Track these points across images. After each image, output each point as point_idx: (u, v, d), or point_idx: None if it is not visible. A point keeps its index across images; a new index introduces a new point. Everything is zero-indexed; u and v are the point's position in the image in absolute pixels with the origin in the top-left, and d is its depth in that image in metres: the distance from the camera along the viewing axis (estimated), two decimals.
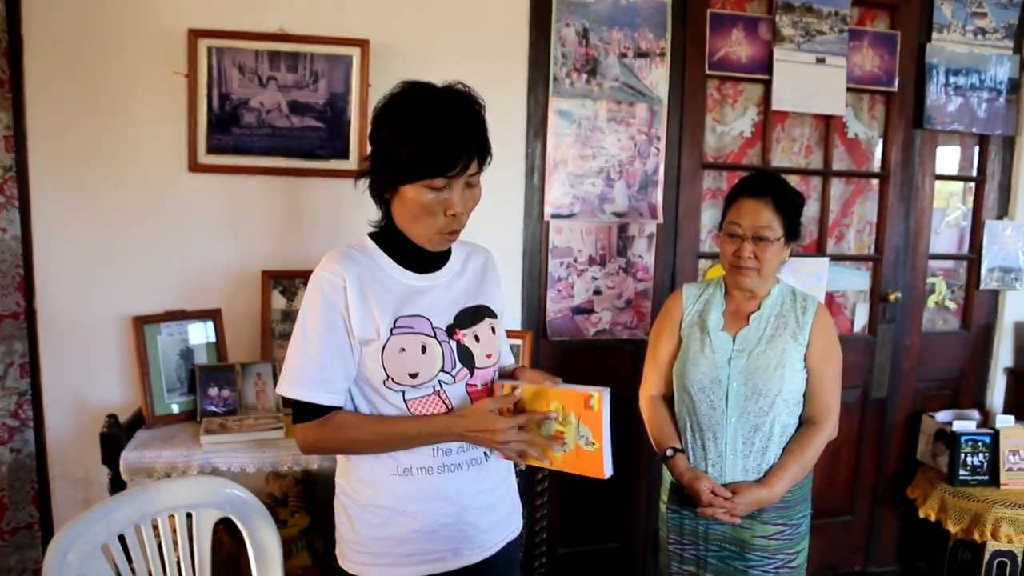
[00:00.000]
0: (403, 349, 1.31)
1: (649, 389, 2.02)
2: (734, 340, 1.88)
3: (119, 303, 2.25)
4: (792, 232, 1.83)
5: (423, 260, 1.37)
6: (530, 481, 2.57)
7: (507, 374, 1.50)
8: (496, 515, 1.47)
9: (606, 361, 2.77)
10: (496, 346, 1.44)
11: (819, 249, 2.93)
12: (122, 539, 1.61)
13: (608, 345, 2.78)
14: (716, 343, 1.88)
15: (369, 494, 1.39)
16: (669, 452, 1.90)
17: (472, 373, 1.39)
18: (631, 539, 2.97)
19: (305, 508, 2.35)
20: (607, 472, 1.30)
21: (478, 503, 1.43)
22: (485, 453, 1.42)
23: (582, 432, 1.28)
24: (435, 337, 1.34)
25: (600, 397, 1.23)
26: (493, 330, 1.43)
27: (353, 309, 1.29)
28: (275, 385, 2.19)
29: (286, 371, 1.32)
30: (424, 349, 1.32)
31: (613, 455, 1.32)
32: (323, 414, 1.33)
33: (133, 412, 2.18)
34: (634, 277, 2.76)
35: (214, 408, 2.21)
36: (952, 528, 2.73)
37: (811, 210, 2.89)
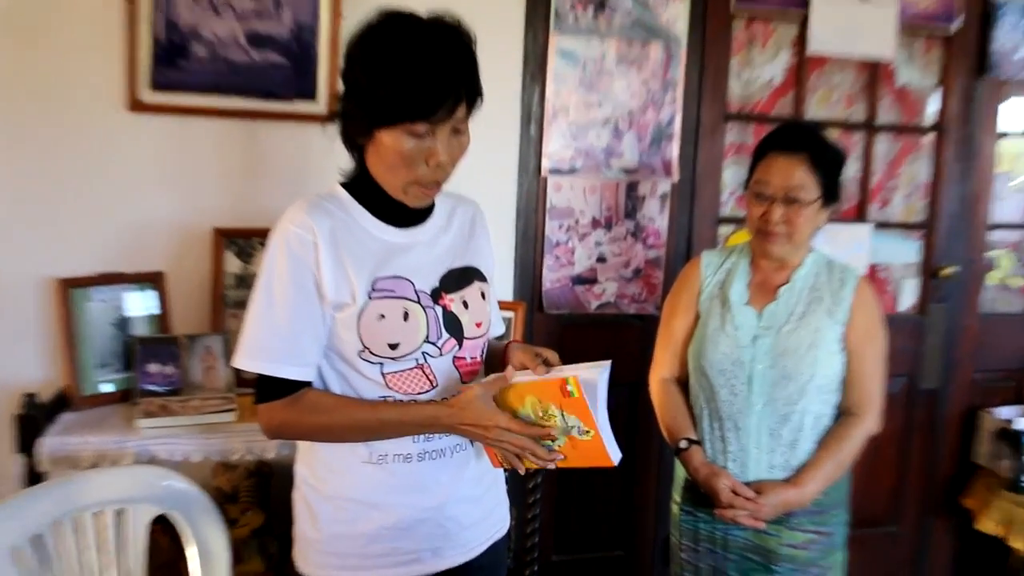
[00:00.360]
0: (382, 316, 1.32)
1: (660, 371, 2.03)
2: (760, 316, 1.88)
3: (41, 263, 2.21)
4: (830, 194, 1.83)
5: (403, 213, 1.38)
6: (520, 476, 2.56)
7: (497, 350, 1.51)
8: (481, 509, 1.50)
9: (611, 339, 2.79)
10: (486, 313, 1.46)
11: (860, 215, 2.92)
12: (39, 541, 1.58)
13: (613, 320, 2.80)
14: (739, 319, 1.89)
15: (335, 485, 1.41)
16: (683, 444, 1.91)
17: (460, 344, 1.41)
18: (637, 546, 3.01)
19: (259, 504, 2.36)
20: (614, 458, 1.31)
21: (461, 494, 1.45)
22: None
23: (570, 423, 1.30)
24: (418, 302, 1.36)
25: (575, 380, 1.24)
26: (483, 295, 1.45)
27: (325, 269, 1.30)
28: (227, 361, 2.26)
29: (246, 341, 1.33)
30: (406, 316, 1.33)
31: (618, 443, 1.34)
32: (292, 391, 1.34)
33: (56, 391, 2.15)
34: (644, 243, 2.77)
35: (154, 387, 2.20)
36: (1017, 544, 2.70)
37: (852, 169, 2.86)
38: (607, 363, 1.32)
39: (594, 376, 1.28)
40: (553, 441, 1.35)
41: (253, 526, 2.32)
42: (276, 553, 2.32)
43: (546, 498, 2.79)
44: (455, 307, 1.41)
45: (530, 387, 1.32)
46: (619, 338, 2.80)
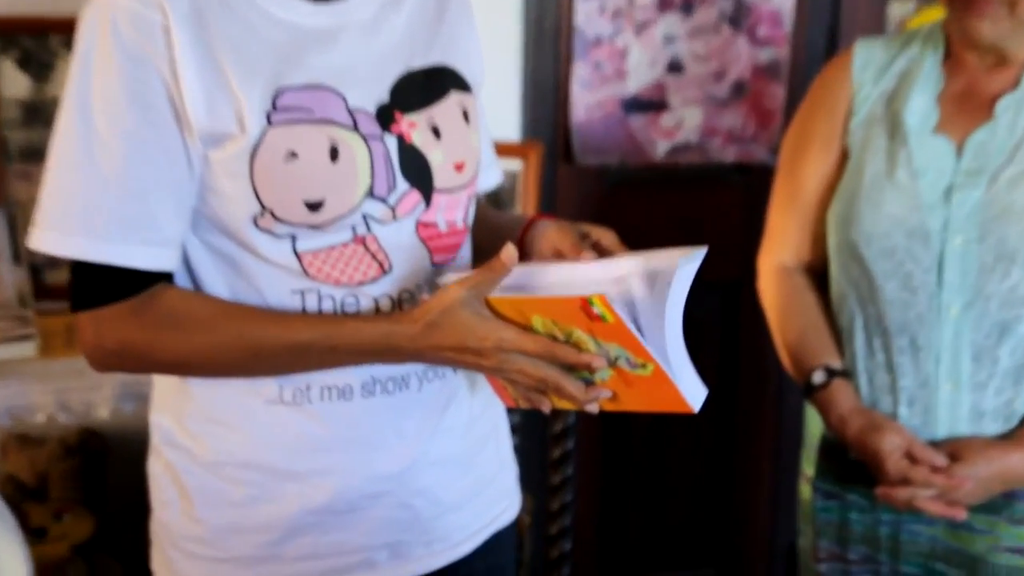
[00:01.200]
0: (293, 154, 1.36)
1: (779, 254, 2.07)
2: (961, 152, 1.88)
3: None
4: None
5: None
6: (538, 437, 2.65)
7: (504, 226, 1.59)
8: (471, 479, 1.57)
9: (692, 206, 2.81)
10: (472, 146, 1.51)
11: None
12: None
13: (697, 175, 2.82)
14: (922, 158, 1.90)
15: (222, 443, 1.47)
16: (818, 377, 1.94)
17: (428, 200, 1.46)
18: (741, 558, 3.06)
19: (84, 503, 2.35)
20: (692, 401, 1.38)
21: (437, 453, 1.52)
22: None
23: (613, 352, 1.36)
24: (355, 129, 1.40)
25: (602, 300, 1.29)
26: (465, 115, 1.50)
27: (186, 72, 1.33)
28: (16, 251, 2.26)
29: (52, 208, 1.36)
30: (334, 153, 1.38)
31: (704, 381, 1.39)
32: (138, 290, 1.38)
33: None
34: (752, 38, 2.77)
35: None
36: None
37: None
38: (693, 252, 1.34)
39: (662, 276, 1.33)
40: (592, 373, 1.38)
41: (75, 539, 2.30)
42: None
43: (584, 472, 2.84)
44: (418, 136, 1.44)
45: (538, 303, 1.37)
46: (707, 205, 2.81)
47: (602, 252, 1.44)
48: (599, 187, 2.79)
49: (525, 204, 2.55)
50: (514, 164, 2.53)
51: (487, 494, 1.61)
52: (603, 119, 2.75)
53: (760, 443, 3.01)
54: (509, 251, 1.37)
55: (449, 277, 1.46)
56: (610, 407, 1.43)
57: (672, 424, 2.99)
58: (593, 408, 1.42)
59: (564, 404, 1.44)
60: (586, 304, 1.31)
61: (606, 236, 1.46)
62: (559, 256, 1.47)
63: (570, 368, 1.38)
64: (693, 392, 1.37)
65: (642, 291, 1.35)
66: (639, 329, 1.34)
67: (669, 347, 1.34)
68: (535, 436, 2.69)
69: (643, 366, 1.35)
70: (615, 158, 2.78)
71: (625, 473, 3.02)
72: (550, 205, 2.71)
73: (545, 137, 2.72)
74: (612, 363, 1.37)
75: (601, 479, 3.01)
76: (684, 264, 1.32)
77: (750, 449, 3.01)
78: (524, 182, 2.54)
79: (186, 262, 1.43)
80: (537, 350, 1.36)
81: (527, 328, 1.39)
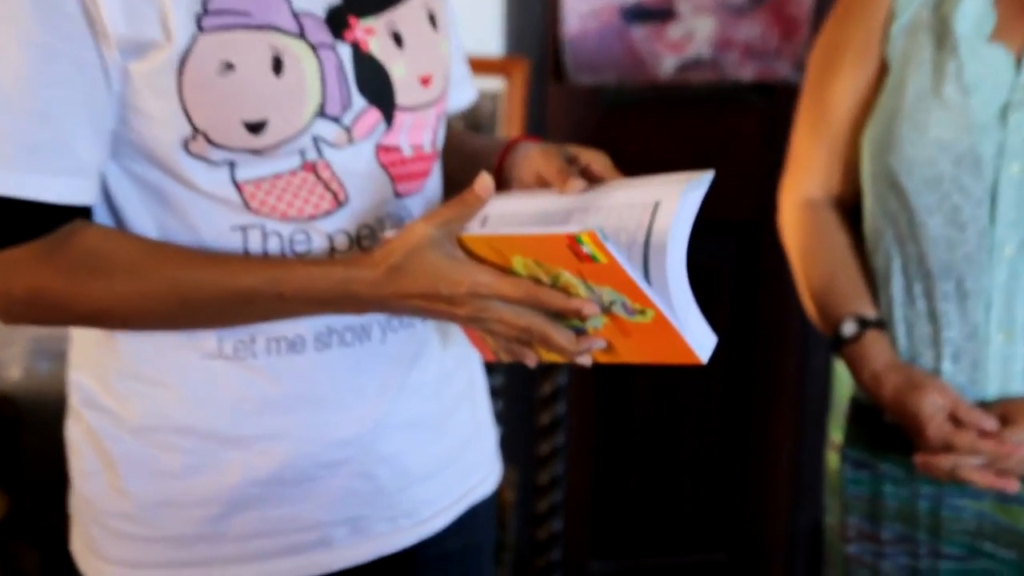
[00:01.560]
0: (228, 65, 1.36)
1: (803, 185, 2.07)
2: (1020, 63, 1.89)
3: None
4: None
5: None
6: (524, 401, 2.67)
7: (480, 151, 1.62)
8: (444, 445, 1.59)
9: (703, 133, 2.84)
10: (440, 56, 1.53)
11: None
12: None
13: (709, 96, 2.86)
14: (974, 71, 1.89)
15: (155, 404, 1.47)
16: (848, 327, 1.95)
17: (390, 120, 1.47)
18: (756, 541, 3.09)
19: None
20: (700, 351, 1.38)
21: (403, 416, 1.54)
22: None
23: (607, 296, 1.37)
24: (301, 36, 1.40)
25: (591, 236, 1.29)
26: (431, 19, 1.52)
27: None
28: None
29: None
30: (278, 64, 1.38)
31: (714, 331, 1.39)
32: (52, 228, 1.38)
33: None
34: None
35: None
36: None
37: None
38: (698, 177, 1.34)
39: (663, 209, 1.33)
40: (583, 321, 1.39)
41: None
42: (35, 568, 2.39)
43: (575, 445, 2.86)
44: (376, 44, 1.44)
45: (512, 243, 1.37)
46: (720, 132, 2.83)
47: (592, 179, 1.44)
48: (594, 111, 2.81)
49: (509, 131, 2.56)
50: (495, 84, 2.54)
51: (461, 462, 1.62)
52: (599, 30, 2.76)
53: (780, 406, 3.04)
54: (484, 181, 1.38)
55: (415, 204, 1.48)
56: (605, 359, 1.43)
57: (679, 386, 3.02)
58: (585, 360, 1.42)
59: (552, 357, 1.44)
60: (573, 242, 1.31)
61: (597, 159, 1.46)
62: (543, 184, 1.47)
63: (558, 316, 1.39)
64: (700, 340, 1.37)
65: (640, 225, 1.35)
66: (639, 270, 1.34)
67: (672, 289, 1.34)
68: (520, 400, 2.69)
69: (642, 312, 1.35)
70: (613, 76, 2.79)
71: (624, 443, 3.04)
72: (538, 126, 2.73)
73: (532, 52, 2.73)
74: (606, 309, 1.38)
75: (597, 449, 3.03)
76: (688, 192, 1.32)
77: (768, 413, 3.05)
78: (507, 105, 2.55)
79: (106, 195, 1.43)
80: (519, 295, 1.37)
81: (507, 271, 1.39)
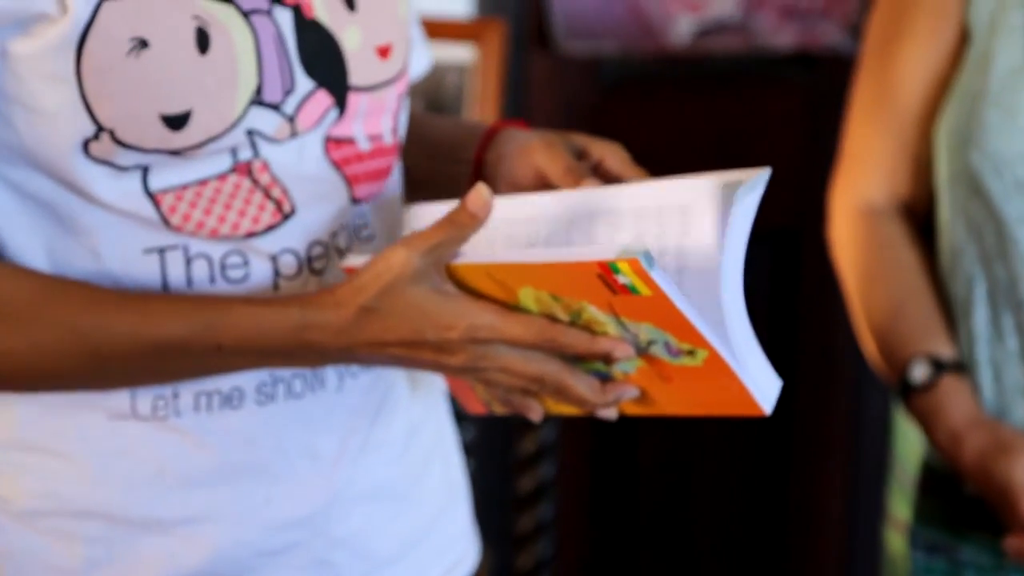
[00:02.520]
0: (142, 42, 1.34)
1: (862, 186, 2.08)
2: None
3: None
4: None
5: None
6: (502, 461, 2.61)
7: (453, 140, 1.64)
8: (412, 517, 1.60)
9: (728, 116, 2.96)
10: (400, 19, 1.54)
11: None
12: None
13: (736, 69, 2.96)
14: None
15: (47, 480, 1.46)
16: (920, 371, 1.93)
17: (342, 104, 1.47)
18: None
19: None
20: (763, 399, 1.37)
21: (366, 482, 1.54)
22: None
23: (645, 334, 1.35)
24: (230, 1, 1.39)
25: (632, 264, 1.25)
26: None
27: None
28: None
29: None
30: (203, 39, 1.37)
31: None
32: None
33: None
34: None
35: None
36: None
37: None
38: (751, 176, 1.33)
39: (707, 219, 1.34)
40: (609, 365, 1.38)
41: None
42: None
43: (565, 518, 2.85)
44: (321, 6, 1.44)
45: (521, 272, 1.35)
46: (751, 114, 2.86)
47: (607, 178, 1.43)
48: (590, 88, 2.90)
49: (481, 113, 2.60)
50: (462, 53, 2.62)
51: (434, 537, 1.62)
52: None
53: (826, 468, 3.13)
54: (481, 195, 1.32)
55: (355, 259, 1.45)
56: (636, 411, 1.44)
57: (698, 443, 3.03)
58: (611, 414, 1.42)
59: (564, 409, 1.43)
60: (606, 270, 1.26)
61: (612, 153, 1.44)
62: (543, 185, 1.46)
63: (577, 358, 1.36)
64: (763, 386, 1.36)
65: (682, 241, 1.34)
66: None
67: (728, 323, 1.33)
68: (496, 459, 2.68)
69: (690, 353, 1.33)
70: (613, 44, 2.89)
71: (628, 516, 3.02)
72: (516, 112, 2.80)
73: (509, 12, 2.82)
74: (642, 350, 1.35)
75: (592, 524, 3.01)
76: (743, 196, 1.30)
77: (812, 476, 3.12)
78: (478, 80, 2.62)
79: None
80: (530, 338, 1.34)
81: (512, 306, 1.37)
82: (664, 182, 1.39)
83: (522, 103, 2.75)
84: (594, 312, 1.33)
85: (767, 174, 1.32)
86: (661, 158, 1.53)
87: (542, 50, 2.77)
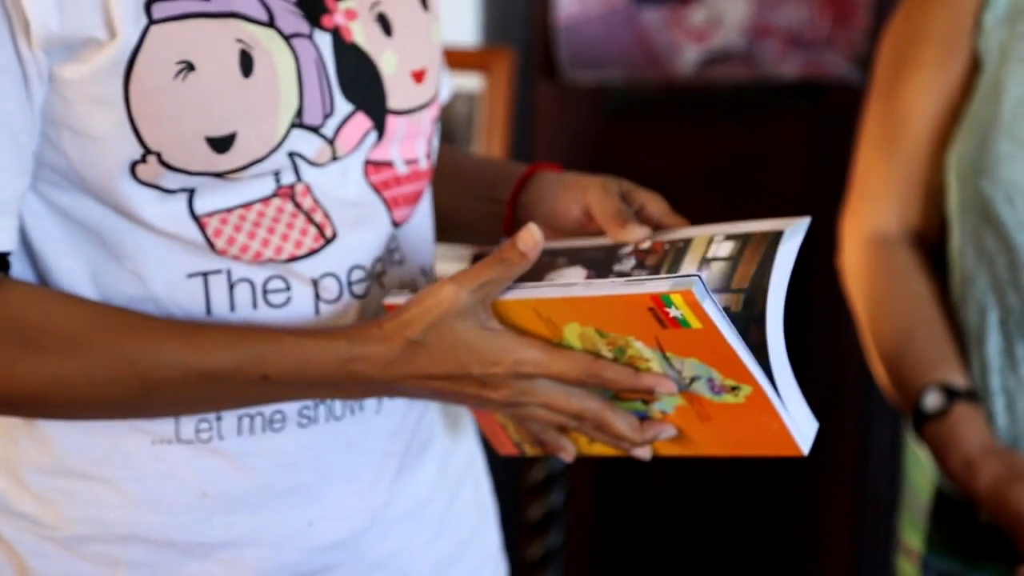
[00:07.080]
0: (188, 66, 1.36)
1: (872, 216, 2.11)
2: None
3: None
4: None
5: None
6: (509, 490, 2.71)
7: (483, 173, 1.69)
8: (448, 537, 1.62)
9: (734, 145, 2.87)
10: (433, 45, 1.56)
11: None
12: None
13: (742, 99, 2.93)
14: None
15: (89, 506, 1.46)
16: (932, 400, 1.95)
17: (381, 128, 1.48)
18: None
19: None
20: (802, 438, 1.40)
21: (405, 504, 1.56)
22: None
23: (689, 370, 1.37)
24: (271, 24, 1.40)
25: (686, 296, 1.28)
26: (423, 2, 1.56)
27: None
28: None
29: None
30: (247, 62, 1.38)
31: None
32: None
33: None
34: None
35: None
36: None
37: None
38: (792, 224, 1.37)
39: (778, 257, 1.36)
40: (649, 403, 1.41)
41: None
42: None
43: (575, 549, 2.90)
44: (360, 30, 1.45)
45: (568, 306, 1.37)
46: (757, 144, 2.86)
47: (648, 224, 1.45)
48: (596, 115, 2.89)
49: (488, 140, 2.53)
50: (470, 82, 2.60)
51: (468, 559, 1.64)
52: (602, 16, 2.83)
53: (835, 495, 3.11)
54: (532, 234, 1.35)
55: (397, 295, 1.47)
56: (671, 451, 1.45)
57: (706, 471, 3.02)
58: (645, 453, 1.44)
59: (598, 449, 1.46)
60: (659, 303, 1.29)
61: (654, 201, 1.47)
62: (582, 224, 1.49)
63: (615, 396, 1.40)
64: (802, 425, 1.37)
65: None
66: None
67: (773, 362, 1.34)
68: (504, 488, 2.62)
69: (733, 390, 1.35)
70: (619, 73, 2.87)
71: (636, 543, 3.02)
72: (523, 139, 2.79)
73: (517, 42, 2.81)
74: (684, 387, 1.38)
75: (601, 552, 3.00)
76: (787, 240, 1.34)
77: (821, 505, 3.11)
78: (486, 109, 2.59)
79: (22, 238, 1.41)
80: (575, 375, 1.37)
81: (555, 343, 1.39)
82: (704, 228, 1.42)
83: (529, 131, 2.75)
84: (639, 348, 1.36)
85: (806, 222, 1.36)
86: (667, 187, 1.54)
87: (549, 79, 2.78)
